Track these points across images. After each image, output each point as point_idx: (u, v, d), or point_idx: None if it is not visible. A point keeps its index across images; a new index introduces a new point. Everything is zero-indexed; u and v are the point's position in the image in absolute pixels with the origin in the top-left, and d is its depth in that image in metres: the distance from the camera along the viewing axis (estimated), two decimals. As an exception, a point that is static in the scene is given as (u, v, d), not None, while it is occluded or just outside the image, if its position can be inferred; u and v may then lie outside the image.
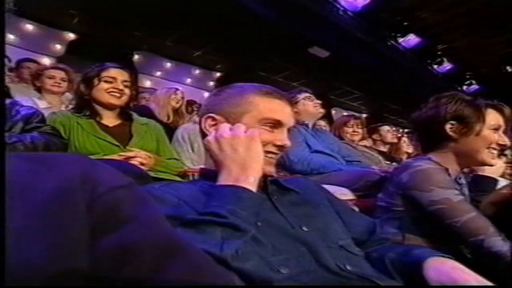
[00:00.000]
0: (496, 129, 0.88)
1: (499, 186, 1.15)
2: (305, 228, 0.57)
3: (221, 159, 0.56)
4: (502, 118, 0.89)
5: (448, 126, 0.88)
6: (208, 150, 0.60)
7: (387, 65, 5.46)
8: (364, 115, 6.26)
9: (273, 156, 0.64)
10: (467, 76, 6.89)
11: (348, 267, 0.53)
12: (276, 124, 0.64)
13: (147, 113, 1.77)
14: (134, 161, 1.05)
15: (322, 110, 1.78)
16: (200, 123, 0.67)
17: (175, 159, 1.28)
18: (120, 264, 0.27)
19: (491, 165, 0.91)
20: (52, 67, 1.96)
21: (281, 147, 0.64)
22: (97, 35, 4.06)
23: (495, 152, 0.88)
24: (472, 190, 1.08)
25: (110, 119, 1.24)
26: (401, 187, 0.83)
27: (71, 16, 3.86)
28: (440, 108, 0.89)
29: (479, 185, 1.09)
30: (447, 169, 0.86)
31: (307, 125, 1.72)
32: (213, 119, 0.65)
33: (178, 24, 4.00)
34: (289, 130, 0.66)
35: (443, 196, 0.76)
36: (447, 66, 6.33)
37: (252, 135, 0.57)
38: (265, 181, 0.64)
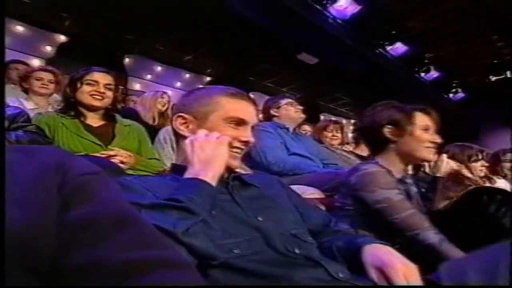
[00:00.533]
0: (426, 129, 0.99)
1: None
2: (260, 218, 0.63)
3: (190, 158, 0.65)
4: (430, 119, 1.01)
5: (386, 130, 1.00)
6: (183, 149, 0.69)
7: (375, 72, 5.59)
8: (352, 121, 6.39)
9: (238, 151, 0.72)
10: (454, 84, 7.09)
11: (296, 250, 0.60)
12: (240, 122, 0.71)
13: (133, 115, 1.83)
14: (115, 160, 1.11)
15: (303, 116, 1.87)
16: (171, 122, 0.75)
17: (156, 159, 1.34)
18: (80, 234, 0.34)
19: (430, 161, 1.04)
20: (40, 69, 1.99)
21: (245, 143, 0.72)
22: (88, 38, 4.09)
23: (432, 149, 0.99)
24: (429, 190, 1.18)
25: (94, 120, 1.29)
26: (350, 188, 0.93)
27: (62, 18, 3.88)
28: (375, 116, 1.02)
29: (435, 185, 1.18)
30: (390, 171, 0.96)
31: (287, 129, 1.80)
32: (183, 118, 0.74)
33: (169, 28, 4.05)
34: (253, 127, 0.75)
35: (385, 196, 0.86)
36: (434, 74, 6.48)
37: (221, 140, 0.66)
38: (228, 177, 0.70)
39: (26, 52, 3.84)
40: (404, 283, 0.54)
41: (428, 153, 0.99)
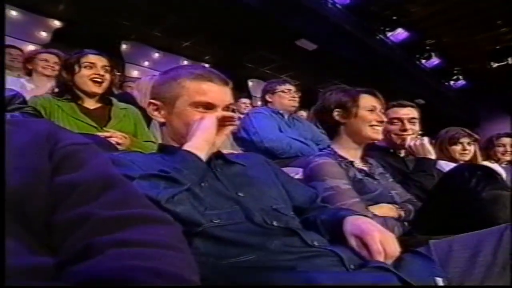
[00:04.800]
0: (372, 110, 1.05)
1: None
2: (241, 194, 0.65)
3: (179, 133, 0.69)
4: (376, 100, 1.07)
5: (335, 114, 1.07)
6: (164, 132, 0.72)
7: (375, 58, 5.54)
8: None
9: None
10: (455, 71, 7.04)
11: (274, 223, 0.62)
12: (208, 106, 0.69)
13: (129, 100, 1.83)
14: (110, 141, 1.13)
15: (296, 105, 1.86)
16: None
17: (152, 142, 1.36)
18: (69, 194, 0.36)
19: (377, 140, 1.09)
20: (46, 51, 2.00)
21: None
22: (84, 23, 4.04)
23: (378, 128, 1.06)
24: (414, 171, 1.21)
25: (90, 102, 1.30)
26: (307, 179, 0.99)
27: (56, 2, 3.82)
28: (325, 101, 1.10)
29: (418, 167, 1.22)
30: (343, 158, 1.04)
31: (282, 115, 1.81)
32: (154, 104, 0.73)
33: (167, 14, 4.00)
34: (229, 108, 0.73)
35: (333, 184, 0.92)
36: (435, 61, 6.42)
37: (207, 116, 0.67)
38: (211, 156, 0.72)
39: (21, 38, 3.80)
40: (381, 250, 0.57)
41: (374, 133, 1.05)
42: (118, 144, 1.14)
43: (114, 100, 1.38)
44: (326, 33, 4.75)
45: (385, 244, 0.57)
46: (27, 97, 1.28)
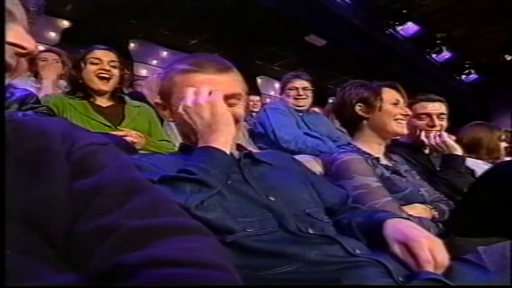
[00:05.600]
0: (396, 104, 1.03)
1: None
2: (271, 198, 0.60)
3: (193, 127, 0.60)
4: (399, 94, 1.05)
5: (357, 108, 1.04)
6: (182, 123, 0.63)
7: (385, 53, 5.44)
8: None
9: None
10: (466, 65, 6.86)
11: (310, 230, 0.57)
12: None
13: (139, 98, 1.80)
14: (127, 140, 1.09)
15: (302, 104, 1.77)
16: None
17: (167, 141, 1.32)
18: (90, 201, 0.32)
19: (402, 134, 1.06)
20: (46, 50, 1.99)
21: None
22: (92, 23, 4.03)
23: (403, 122, 1.03)
24: (441, 169, 1.15)
25: (103, 100, 1.27)
26: (332, 177, 0.94)
27: (64, 3, 3.82)
28: (345, 96, 1.06)
29: (446, 164, 1.15)
30: (369, 155, 0.99)
31: (298, 110, 1.75)
32: (158, 103, 0.70)
33: (175, 12, 3.97)
34: (235, 96, 0.65)
35: (363, 182, 0.87)
36: (446, 55, 6.27)
37: (214, 99, 0.60)
38: (239, 155, 0.67)
39: (31, 39, 3.81)
40: (430, 259, 0.51)
41: (399, 127, 1.02)
42: (133, 143, 1.10)
43: (127, 98, 1.34)
44: (335, 28, 4.67)
45: (434, 251, 0.52)
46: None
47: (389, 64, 5.55)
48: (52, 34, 4.16)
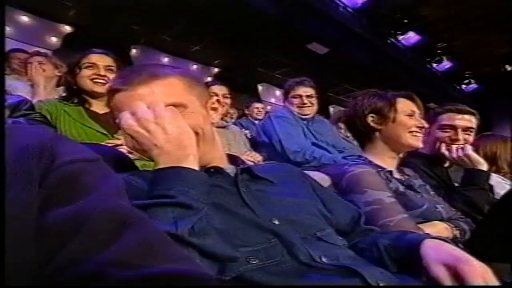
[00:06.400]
0: (411, 115, 0.97)
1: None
2: (276, 222, 0.52)
3: (153, 142, 0.48)
4: (414, 104, 0.99)
5: (369, 119, 0.98)
6: (129, 133, 0.50)
7: (387, 62, 5.44)
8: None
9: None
10: (466, 75, 6.87)
11: (324, 259, 0.50)
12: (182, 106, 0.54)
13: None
14: (122, 149, 1.02)
15: (306, 113, 1.71)
16: None
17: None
18: (70, 236, 0.25)
19: (417, 147, 0.99)
20: (34, 54, 1.92)
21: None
22: (93, 28, 4.02)
23: (418, 135, 0.96)
24: (462, 184, 1.08)
25: (99, 106, 1.21)
26: (342, 192, 0.87)
27: (67, 8, 3.81)
28: (357, 106, 1.00)
29: (468, 179, 1.08)
30: (382, 168, 0.92)
31: (304, 118, 1.69)
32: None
33: (176, 18, 3.96)
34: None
35: (376, 197, 0.80)
36: (446, 64, 6.31)
37: (174, 113, 0.51)
38: (236, 169, 0.60)
39: (32, 43, 3.79)
40: (482, 283, 0.45)
41: (413, 139, 0.96)
42: (130, 153, 1.03)
43: (125, 105, 1.28)
44: (337, 36, 4.67)
45: (487, 278, 0.46)
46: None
47: (391, 72, 5.55)
48: (53, 39, 4.14)
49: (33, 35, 3.92)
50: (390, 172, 0.94)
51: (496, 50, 5.70)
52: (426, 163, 1.18)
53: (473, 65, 6.48)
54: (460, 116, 1.19)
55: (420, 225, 0.80)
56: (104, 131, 1.11)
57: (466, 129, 1.19)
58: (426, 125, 0.99)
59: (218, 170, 0.59)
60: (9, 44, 2.91)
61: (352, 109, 1.02)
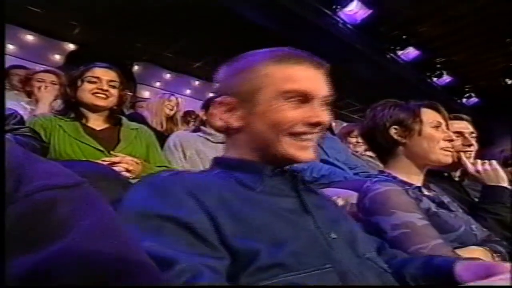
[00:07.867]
0: (437, 127, 0.88)
1: None
2: (333, 235, 0.46)
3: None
4: (440, 115, 0.90)
5: (392, 132, 0.89)
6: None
7: (387, 77, 5.47)
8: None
9: (308, 137, 0.51)
10: (467, 89, 6.89)
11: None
12: (303, 97, 0.52)
13: (139, 120, 1.69)
14: (119, 167, 0.95)
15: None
16: (206, 115, 0.59)
17: (166, 166, 1.18)
18: None
19: (447, 163, 0.89)
20: (42, 71, 1.89)
21: (315, 125, 0.51)
22: (97, 46, 4.05)
23: (450, 151, 0.88)
24: (487, 201, 0.99)
25: (97, 122, 1.14)
26: (364, 213, 0.78)
27: (71, 27, 3.85)
28: (376, 117, 0.91)
29: (491, 196, 1.00)
30: (409, 185, 0.83)
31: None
32: (226, 103, 0.54)
33: (178, 35, 3.99)
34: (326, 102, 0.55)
35: (406, 219, 0.71)
36: (446, 79, 6.33)
37: None
38: (292, 176, 0.53)
39: (35, 61, 3.82)
40: None
41: (444, 154, 0.87)
42: (128, 171, 0.95)
43: (124, 120, 1.22)
44: (337, 52, 4.70)
45: None
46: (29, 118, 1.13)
47: (391, 87, 5.55)
48: (57, 57, 4.16)
49: (37, 53, 3.95)
50: (419, 188, 0.85)
51: (495, 65, 5.74)
52: (434, 179, 1.09)
53: (473, 79, 6.52)
54: (462, 123, 1.19)
55: (457, 251, 0.70)
56: (101, 148, 1.04)
57: (470, 134, 1.17)
58: (454, 137, 0.91)
59: (282, 171, 0.54)
60: (13, 62, 2.90)
61: (371, 120, 0.92)
